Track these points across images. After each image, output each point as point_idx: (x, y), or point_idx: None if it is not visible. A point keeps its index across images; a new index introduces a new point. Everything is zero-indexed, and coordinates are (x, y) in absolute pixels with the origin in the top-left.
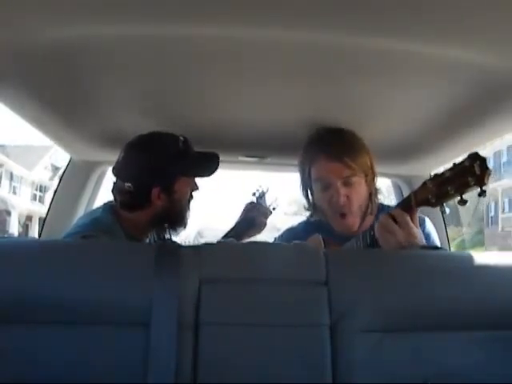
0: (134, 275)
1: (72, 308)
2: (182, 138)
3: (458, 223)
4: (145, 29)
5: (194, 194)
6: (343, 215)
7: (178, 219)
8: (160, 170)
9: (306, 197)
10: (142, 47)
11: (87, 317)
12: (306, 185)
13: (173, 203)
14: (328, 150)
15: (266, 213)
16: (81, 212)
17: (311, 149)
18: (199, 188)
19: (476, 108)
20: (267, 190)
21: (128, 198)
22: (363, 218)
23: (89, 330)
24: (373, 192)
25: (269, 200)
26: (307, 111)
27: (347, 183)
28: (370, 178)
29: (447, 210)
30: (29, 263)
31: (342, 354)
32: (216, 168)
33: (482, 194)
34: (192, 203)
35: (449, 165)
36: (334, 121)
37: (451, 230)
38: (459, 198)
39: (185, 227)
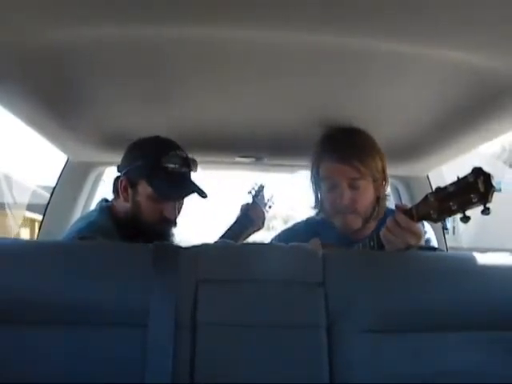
0: (132, 276)
1: (71, 308)
2: (182, 154)
3: None
4: (143, 30)
5: (167, 216)
6: (346, 214)
7: (145, 228)
8: (132, 165)
9: (316, 194)
10: (141, 48)
11: (85, 317)
12: (316, 182)
13: (135, 204)
14: (337, 150)
15: (263, 212)
16: (78, 213)
17: (321, 147)
18: (172, 215)
19: (475, 109)
20: (263, 187)
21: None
22: (367, 220)
23: (87, 330)
24: (381, 197)
25: (266, 197)
26: (305, 112)
27: (353, 186)
28: (380, 182)
29: (448, 226)
30: (29, 264)
31: (339, 354)
32: (178, 197)
33: (486, 211)
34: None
35: (447, 166)
36: (332, 121)
37: None
38: (462, 214)
39: (161, 239)
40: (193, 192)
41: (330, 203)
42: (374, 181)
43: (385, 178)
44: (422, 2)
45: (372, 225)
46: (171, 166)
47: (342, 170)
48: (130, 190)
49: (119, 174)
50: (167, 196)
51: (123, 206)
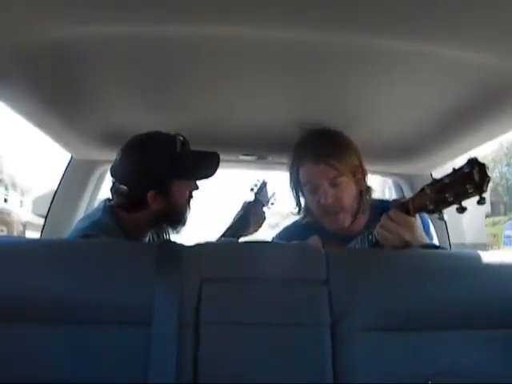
0: (135, 275)
1: (72, 308)
2: (180, 138)
3: None
4: (145, 28)
5: (194, 193)
6: (333, 214)
7: (177, 219)
8: (154, 174)
9: (297, 199)
10: (142, 47)
11: (88, 316)
12: (297, 187)
13: (170, 205)
14: (313, 152)
15: (264, 213)
16: (82, 211)
17: (297, 152)
18: (199, 188)
19: (476, 108)
20: (265, 184)
21: (124, 199)
22: (354, 216)
23: (89, 330)
24: (363, 190)
25: (269, 193)
26: (307, 111)
27: (334, 184)
28: (359, 176)
29: (446, 217)
30: (29, 263)
31: (342, 353)
32: (215, 170)
33: (481, 201)
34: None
35: (450, 164)
36: (334, 120)
37: None
38: (458, 205)
39: (184, 225)
40: (217, 156)
41: (315, 205)
42: (354, 175)
43: (363, 173)
44: (422, 1)
45: (362, 218)
46: (185, 150)
47: (321, 171)
48: (159, 198)
49: (128, 187)
50: (205, 174)
51: (142, 215)
